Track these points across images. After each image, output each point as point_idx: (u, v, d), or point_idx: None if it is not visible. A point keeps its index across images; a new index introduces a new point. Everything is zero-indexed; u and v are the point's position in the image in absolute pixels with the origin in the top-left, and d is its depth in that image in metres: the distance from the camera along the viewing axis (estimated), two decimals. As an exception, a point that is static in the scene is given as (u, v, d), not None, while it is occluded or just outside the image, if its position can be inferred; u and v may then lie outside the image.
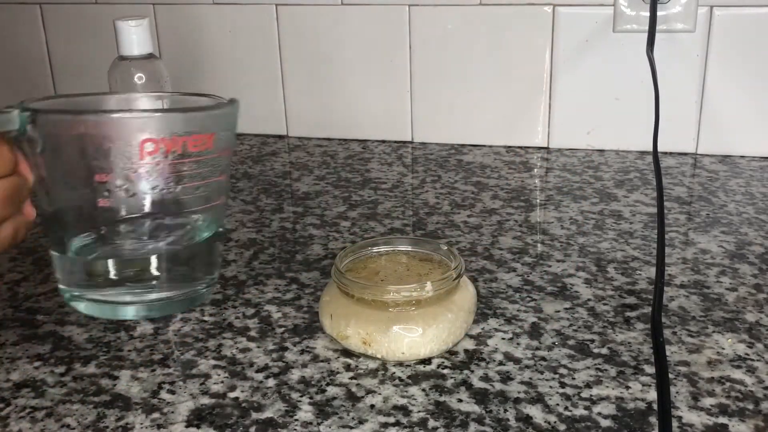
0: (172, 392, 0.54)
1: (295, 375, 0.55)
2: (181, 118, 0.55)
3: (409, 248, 0.63)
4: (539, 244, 0.76)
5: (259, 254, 0.75)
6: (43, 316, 0.65)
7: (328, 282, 0.61)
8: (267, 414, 0.51)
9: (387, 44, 1.08)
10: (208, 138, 0.55)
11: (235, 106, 0.59)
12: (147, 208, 0.57)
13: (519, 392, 0.52)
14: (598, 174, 0.97)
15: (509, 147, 1.09)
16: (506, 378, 0.54)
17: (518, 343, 0.58)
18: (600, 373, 0.54)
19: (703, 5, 0.96)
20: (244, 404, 0.52)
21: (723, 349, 0.57)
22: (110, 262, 0.60)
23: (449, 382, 0.54)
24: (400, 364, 0.56)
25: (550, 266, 0.71)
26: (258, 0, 1.11)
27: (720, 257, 0.72)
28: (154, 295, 0.62)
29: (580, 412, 0.50)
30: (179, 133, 0.54)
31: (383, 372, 0.55)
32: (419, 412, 0.51)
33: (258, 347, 0.59)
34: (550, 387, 0.53)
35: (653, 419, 0.49)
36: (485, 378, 0.54)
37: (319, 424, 0.50)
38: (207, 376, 0.55)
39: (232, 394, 0.53)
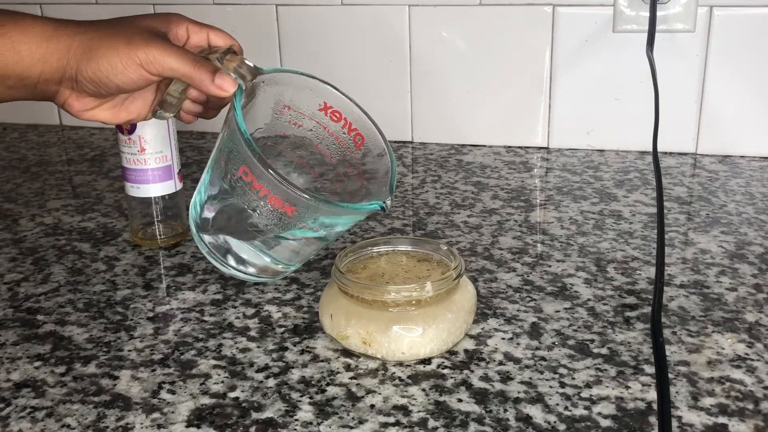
0: (172, 392, 0.54)
1: (295, 375, 0.55)
2: (269, 179, 0.58)
3: (409, 248, 0.63)
4: (539, 244, 0.76)
5: (259, 254, 0.75)
6: (43, 316, 0.65)
7: (328, 282, 0.61)
8: (267, 414, 0.51)
9: (387, 44, 1.08)
10: (287, 207, 0.59)
11: (335, 206, 0.60)
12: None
13: (519, 392, 0.52)
14: (598, 174, 0.97)
15: (509, 147, 1.09)
16: (506, 378, 0.54)
17: (518, 343, 0.58)
18: (600, 373, 0.54)
19: (703, 5, 0.96)
20: (244, 404, 0.52)
21: (723, 349, 0.57)
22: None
23: (449, 382, 0.54)
24: (400, 364, 0.56)
25: (550, 266, 0.71)
26: (258, 0, 1.11)
27: (720, 257, 0.72)
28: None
29: (580, 412, 0.50)
30: (266, 186, 0.57)
31: (383, 372, 0.55)
32: (419, 412, 0.51)
33: (258, 347, 0.59)
34: (550, 387, 0.53)
35: (653, 419, 0.49)
36: (485, 378, 0.54)
37: (319, 424, 0.50)
38: (207, 376, 0.55)
39: (232, 394, 0.53)
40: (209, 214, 0.64)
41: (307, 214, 0.60)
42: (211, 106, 0.64)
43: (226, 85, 0.58)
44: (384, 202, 0.60)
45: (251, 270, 0.65)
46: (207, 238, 0.65)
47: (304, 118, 0.66)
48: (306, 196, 0.57)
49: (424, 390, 0.53)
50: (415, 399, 0.52)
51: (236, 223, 0.63)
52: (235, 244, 0.64)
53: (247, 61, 0.60)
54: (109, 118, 0.62)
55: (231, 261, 0.65)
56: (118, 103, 0.61)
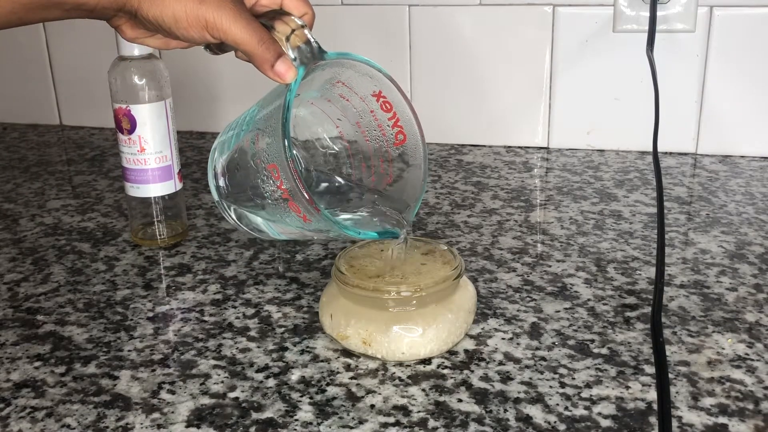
0: (172, 392, 0.54)
1: (295, 375, 0.55)
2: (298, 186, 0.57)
3: (409, 248, 0.63)
4: (539, 244, 0.76)
5: (259, 254, 0.75)
6: (43, 316, 0.65)
7: (328, 282, 0.61)
8: (267, 414, 0.51)
9: (387, 44, 1.08)
10: (305, 217, 0.58)
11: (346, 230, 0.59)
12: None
13: (519, 392, 0.52)
14: (598, 174, 0.97)
15: (509, 147, 1.09)
16: (506, 378, 0.54)
17: (518, 343, 0.58)
18: (600, 373, 0.54)
19: (703, 5, 0.96)
20: (244, 404, 0.52)
21: (723, 349, 0.57)
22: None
23: (449, 382, 0.54)
24: (400, 364, 0.56)
25: (550, 266, 0.71)
26: (258, 0, 1.11)
27: (720, 257, 0.72)
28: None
29: (580, 412, 0.50)
30: (290, 192, 0.57)
31: (383, 372, 0.55)
32: (419, 412, 0.51)
33: (258, 347, 0.59)
34: (550, 387, 0.53)
35: (653, 419, 0.49)
36: (485, 378, 0.54)
37: (319, 424, 0.50)
38: (207, 376, 0.55)
39: (232, 394, 0.53)
40: (225, 170, 0.64)
41: (320, 226, 0.59)
42: None
43: (285, 75, 0.56)
44: (403, 230, 0.60)
45: (250, 226, 0.66)
46: (220, 185, 0.65)
47: (354, 96, 0.64)
48: (330, 221, 0.56)
49: (424, 390, 0.53)
50: (415, 399, 0.52)
51: (247, 192, 0.63)
52: (240, 203, 0.64)
53: (313, 41, 0.58)
54: (160, 46, 0.60)
55: (233, 213, 0.65)
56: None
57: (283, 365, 0.56)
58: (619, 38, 1.00)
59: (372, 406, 0.51)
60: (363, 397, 0.52)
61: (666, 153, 1.03)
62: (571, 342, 0.58)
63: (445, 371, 0.55)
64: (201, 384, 0.54)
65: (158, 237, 0.78)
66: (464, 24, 1.05)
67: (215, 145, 0.66)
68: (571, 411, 0.50)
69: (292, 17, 0.58)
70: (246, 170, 0.62)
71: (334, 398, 0.52)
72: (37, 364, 0.58)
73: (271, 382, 0.54)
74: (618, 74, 1.02)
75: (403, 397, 0.52)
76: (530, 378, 0.54)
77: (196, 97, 1.19)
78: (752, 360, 0.55)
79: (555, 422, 0.49)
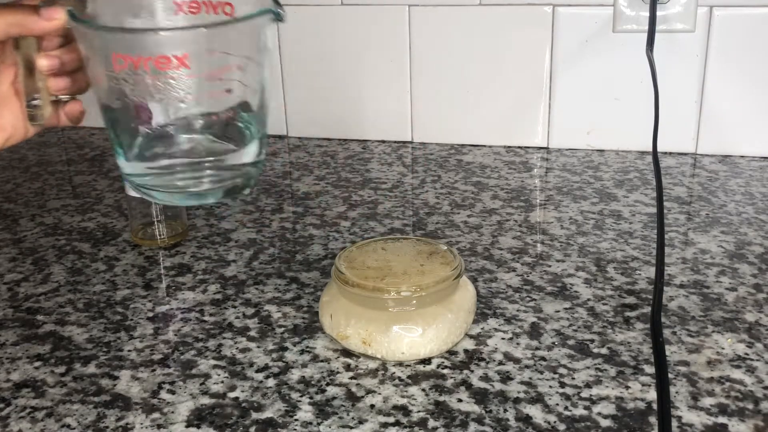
0: (172, 392, 0.54)
1: (295, 375, 0.55)
2: (150, 39, 0.54)
3: (410, 248, 0.63)
4: (539, 244, 0.76)
5: (259, 254, 0.75)
6: (43, 316, 0.65)
7: (328, 282, 0.61)
8: (267, 414, 0.51)
9: (387, 44, 1.08)
10: (177, 59, 0.54)
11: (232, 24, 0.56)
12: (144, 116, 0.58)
13: (519, 392, 0.52)
14: (598, 174, 0.97)
15: (509, 147, 1.09)
16: (506, 378, 0.54)
17: (518, 343, 0.58)
18: (600, 373, 0.54)
19: (703, 5, 0.96)
20: (244, 404, 0.52)
21: (723, 349, 0.57)
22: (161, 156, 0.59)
23: (449, 382, 0.54)
24: (400, 364, 0.56)
25: (549, 266, 0.71)
26: (258, 0, 1.11)
27: (720, 257, 0.72)
28: (207, 182, 0.58)
29: (580, 412, 0.50)
30: (144, 54, 0.53)
31: (383, 372, 0.55)
32: (419, 412, 0.51)
33: (258, 347, 0.59)
34: (550, 387, 0.53)
35: (653, 419, 0.49)
36: (485, 378, 0.54)
37: (319, 424, 0.50)
38: (207, 376, 0.55)
39: (232, 394, 0.53)
40: (145, 159, 0.57)
41: (202, 53, 0.55)
42: (68, 68, 0.58)
43: (55, 14, 0.54)
44: (276, 10, 0.56)
45: (215, 173, 0.58)
46: (157, 180, 0.57)
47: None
48: (179, 27, 0.53)
49: (424, 390, 0.53)
50: (415, 399, 0.52)
51: (168, 141, 0.57)
52: (183, 161, 0.58)
53: None
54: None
55: (203, 178, 0.57)
56: None
57: (283, 365, 0.56)
58: (619, 38, 1.00)
59: (372, 406, 0.51)
60: (363, 397, 0.52)
61: (666, 153, 1.03)
62: (571, 342, 0.58)
63: (445, 371, 0.55)
64: (201, 384, 0.54)
65: (158, 237, 0.78)
66: (464, 24, 1.05)
67: (124, 179, 0.60)
68: (570, 411, 0.50)
69: None
70: (133, 129, 0.56)
71: (334, 398, 0.52)
72: (37, 364, 0.58)
73: (271, 382, 0.54)
74: (618, 74, 1.02)
75: (403, 397, 0.52)
76: (530, 378, 0.54)
77: (196, 97, 1.19)
78: (752, 360, 0.56)
79: (555, 422, 0.49)
